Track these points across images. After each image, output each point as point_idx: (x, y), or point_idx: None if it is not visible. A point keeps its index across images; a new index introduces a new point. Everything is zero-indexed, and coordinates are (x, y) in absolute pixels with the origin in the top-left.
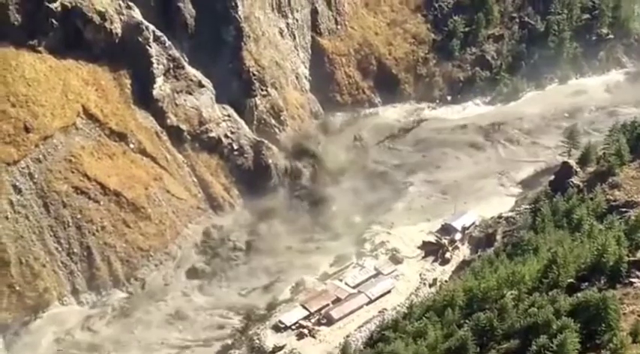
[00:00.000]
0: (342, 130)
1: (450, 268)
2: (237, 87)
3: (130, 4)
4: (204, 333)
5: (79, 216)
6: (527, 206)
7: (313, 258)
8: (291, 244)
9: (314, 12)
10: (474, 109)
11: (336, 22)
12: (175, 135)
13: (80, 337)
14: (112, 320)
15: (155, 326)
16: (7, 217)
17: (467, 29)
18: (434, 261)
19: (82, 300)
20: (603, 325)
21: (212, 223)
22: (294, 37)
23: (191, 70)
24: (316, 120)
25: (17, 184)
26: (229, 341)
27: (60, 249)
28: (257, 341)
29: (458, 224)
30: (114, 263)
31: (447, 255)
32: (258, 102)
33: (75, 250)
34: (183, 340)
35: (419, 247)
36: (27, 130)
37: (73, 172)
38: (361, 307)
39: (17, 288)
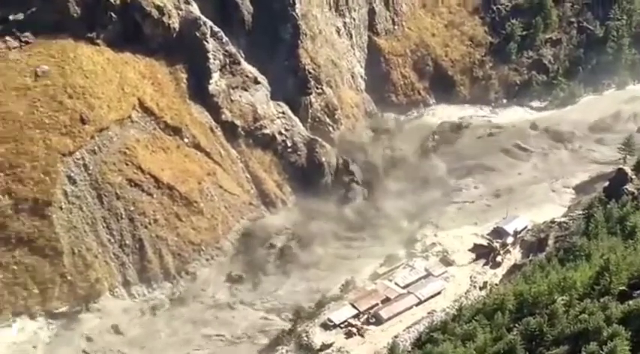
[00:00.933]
0: (395, 131)
1: (500, 271)
2: (293, 84)
3: None
4: (251, 330)
5: (131, 208)
6: (581, 212)
7: (362, 258)
8: (341, 242)
9: (371, 12)
10: (530, 113)
11: (393, 23)
12: (230, 130)
13: (111, 338)
14: (153, 316)
15: (196, 324)
16: (61, 208)
17: (524, 33)
18: (485, 264)
19: (132, 292)
20: None
21: (261, 221)
22: (351, 37)
23: (247, 67)
24: (370, 119)
25: (72, 174)
26: (277, 338)
27: (112, 240)
28: (305, 338)
29: (510, 228)
30: (165, 256)
31: (499, 258)
32: (313, 100)
33: (127, 242)
34: (228, 335)
35: (470, 250)
36: (83, 121)
37: (127, 165)
38: (410, 307)
39: (69, 277)
